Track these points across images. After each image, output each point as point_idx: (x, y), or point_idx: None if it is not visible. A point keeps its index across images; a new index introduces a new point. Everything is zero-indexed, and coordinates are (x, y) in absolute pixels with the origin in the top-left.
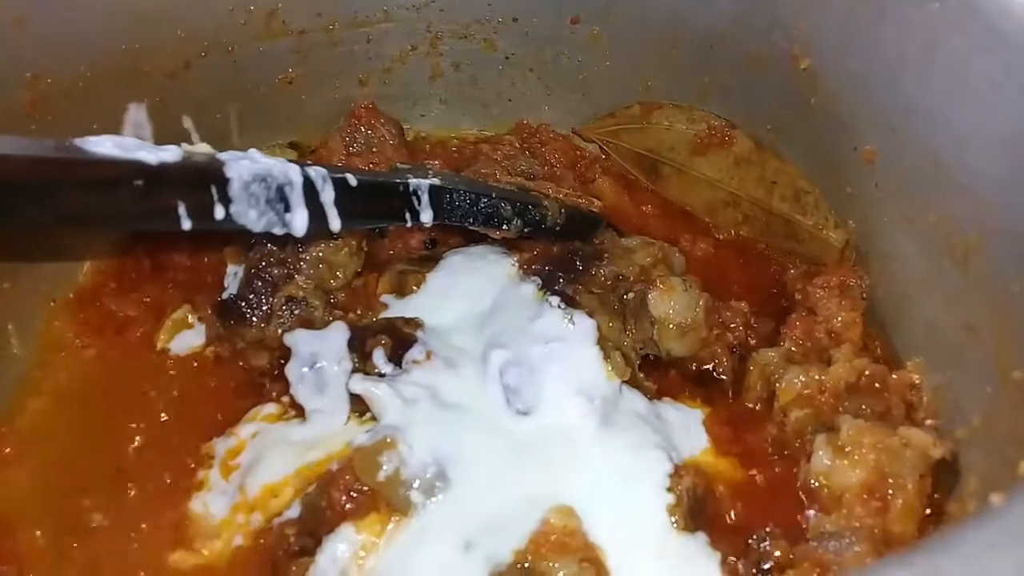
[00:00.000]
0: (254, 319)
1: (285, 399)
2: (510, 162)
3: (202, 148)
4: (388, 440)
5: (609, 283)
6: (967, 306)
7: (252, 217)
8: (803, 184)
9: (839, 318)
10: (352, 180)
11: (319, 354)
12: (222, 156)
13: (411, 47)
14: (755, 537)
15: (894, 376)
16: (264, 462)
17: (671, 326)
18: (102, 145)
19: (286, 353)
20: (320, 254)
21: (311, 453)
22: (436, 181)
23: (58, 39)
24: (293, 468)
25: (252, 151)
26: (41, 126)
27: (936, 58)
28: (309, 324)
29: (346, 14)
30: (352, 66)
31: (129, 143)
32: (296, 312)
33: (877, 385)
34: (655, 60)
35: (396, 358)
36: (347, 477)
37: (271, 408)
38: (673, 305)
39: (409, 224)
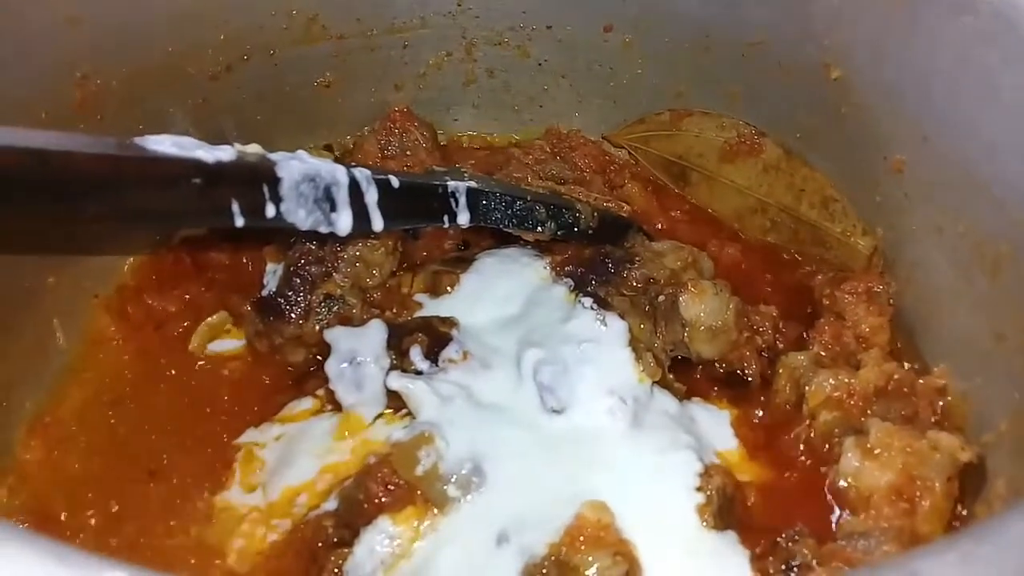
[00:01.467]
0: (293, 315)
1: (321, 393)
2: (541, 166)
3: (253, 148)
4: (426, 435)
5: (640, 286)
6: (996, 315)
7: (301, 216)
8: (831, 192)
9: (867, 323)
10: (395, 182)
11: (357, 351)
12: (273, 156)
13: (446, 53)
14: (784, 536)
15: (921, 381)
16: (289, 465)
17: (702, 328)
18: (162, 144)
19: (323, 350)
20: (357, 253)
21: (331, 456)
22: (473, 184)
23: (107, 39)
24: (315, 471)
25: (300, 152)
26: (89, 125)
27: (968, 70)
28: (347, 321)
29: (384, 20)
30: (388, 71)
31: (187, 142)
32: (334, 309)
33: (905, 390)
34: (686, 68)
35: (432, 356)
36: (384, 471)
37: (308, 403)
38: (704, 308)
39: (447, 225)
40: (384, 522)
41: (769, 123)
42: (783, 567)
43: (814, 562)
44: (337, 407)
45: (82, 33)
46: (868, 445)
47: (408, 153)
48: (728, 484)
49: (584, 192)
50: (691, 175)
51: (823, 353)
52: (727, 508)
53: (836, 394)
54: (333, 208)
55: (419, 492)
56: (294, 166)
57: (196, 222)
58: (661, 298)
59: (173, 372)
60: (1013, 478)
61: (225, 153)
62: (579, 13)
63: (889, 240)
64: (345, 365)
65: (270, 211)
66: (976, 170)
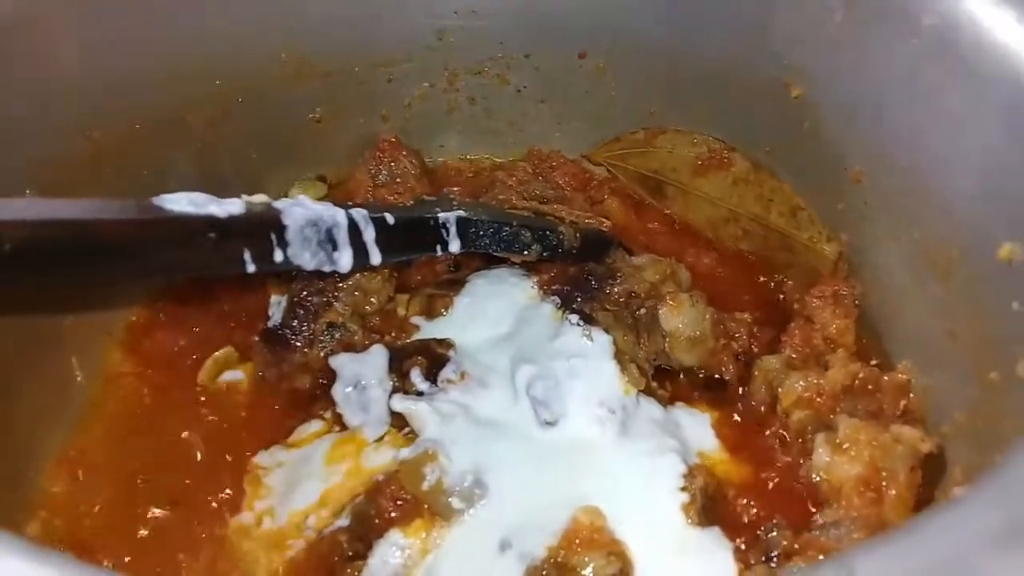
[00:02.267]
0: (298, 344)
1: (328, 415)
2: (524, 187)
3: (259, 198)
4: (430, 453)
5: (622, 300)
6: (949, 315)
7: (306, 257)
8: (798, 201)
9: (834, 326)
10: (390, 219)
11: (361, 375)
12: (278, 204)
13: (429, 84)
14: (763, 529)
15: (886, 378)
16: (294, 489)
17: (681, 339)
18: (178, 202)
19: (328, 374)
20: (355, 282)
21: (333, 478)
22: (462, 213)
23: (113, 98)
24: (319, 494)
25: (302, 197)
26: (100, 175)
27: (916, 87)
28: (350, 347)
29: (369, 57)
30: (375, 103)
31: (200, 199)
32: (336, 336)
33: (870, 387)
34: (657, 90)
35: (432, 377)
36: (393, 487)
37: (317, 425)
38: (682, 319)
39: (439, 254)
40: (395, 535)
41: (737, 139)
42: (763, 558)
43: (791, 551)
44: (344, 428)
45: (91, 94)
46: (837, 440)
47: (398, 180)
48: (710, 483)
49: (567, 210)
50: (666, 188)
51: (794, 356)
52: (710, 506)
53: (807, 394)
54: (335, 248)
55: (426, 506)
56: (298, 212)
57: (212, 271)
58: (642, 311)
59: (187, 403)
60: (968, 466)
61: (235, 206)
62: (554, 42)
63: (853, 246)
64: (350, 389)
65: (278, 256)
66: (926, 180)
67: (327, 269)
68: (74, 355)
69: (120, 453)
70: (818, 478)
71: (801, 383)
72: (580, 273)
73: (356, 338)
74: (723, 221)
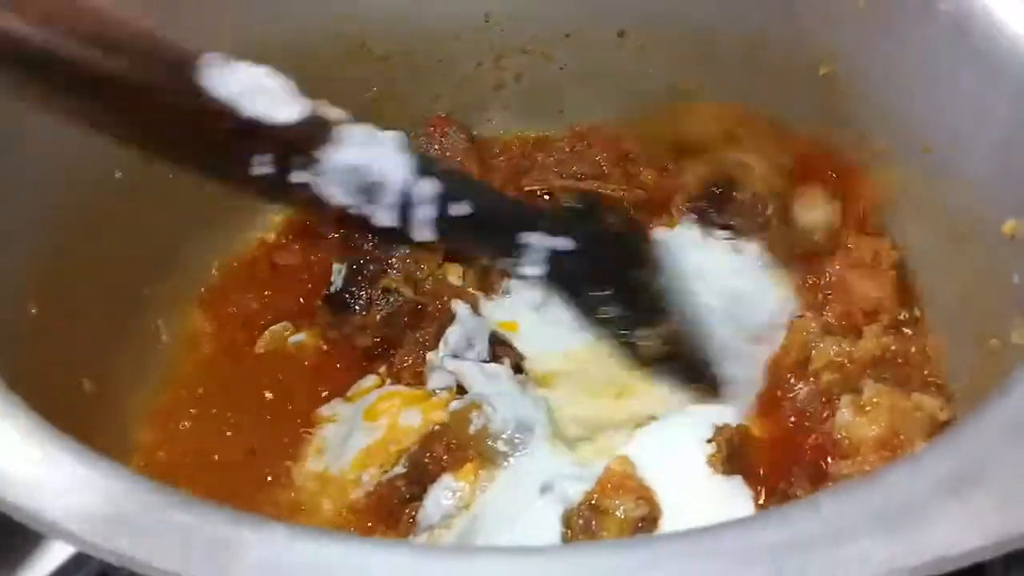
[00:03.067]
0: (357, 308)
1: (383, 371)
2: (562, 167)
3: (336, 114)
4: (475, 403)
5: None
6: (962, 283)
7: (336, 192)
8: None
9: (873, 296)
10: (463, 209)
11: (473, 336)
12: (338, 132)
13: (477, 63)
14: (783, 481)
15: (913, 349)
16: (347, 441)
17: (818, 232)
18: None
19: (384, 335)
20: (406, 250)
21: (375, 433)
22: (559, 245)
23: None
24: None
25: (382, 135)
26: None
27: (934, 70)
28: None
29: (421, 38)
30: (427, 83)
31: (260, 82)
32: (391, 301)
33: (900, 360)
34: (693, 67)
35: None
36: (446, 436)
37: (372, 379)
38: (818, 212)
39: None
40: (448, 478)
41: (769, 111)
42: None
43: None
44: (397, 380)
45: None
46: (861, 403)
47: (448, 154)
48: (736, 435)
49: (601, 184)
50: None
51: (832, 320)
52: (735, 455)
53: (838, 359)
54: (372, 201)
55: (475, 451)
56: (346, 153)
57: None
58: (769, 211)
59: (259, 362)
60: None
61: (287, 111)
62: (594, 21)
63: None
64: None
65: (295, 178)
66: (944, 157)
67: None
68: (159, 318)
69: (200, 409)
70: (840, 436)
71: (835, 347)
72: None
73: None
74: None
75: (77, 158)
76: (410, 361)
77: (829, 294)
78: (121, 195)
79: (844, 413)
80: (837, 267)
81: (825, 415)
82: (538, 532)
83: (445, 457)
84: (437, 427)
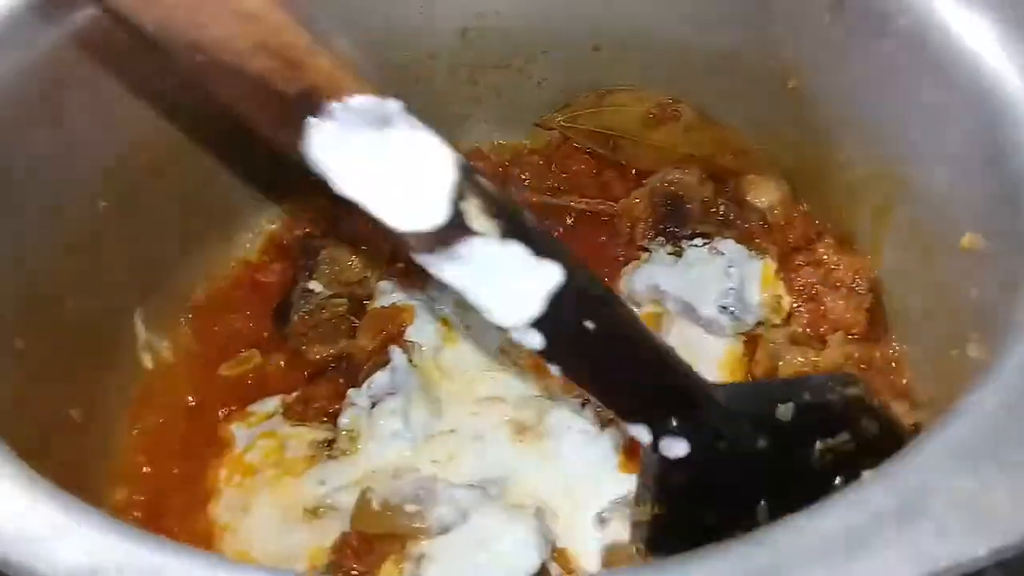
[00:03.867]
0: (291, 317)
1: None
2: (537, 180)
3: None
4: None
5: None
6: (926, 295)
7: None
8: (747, 143)
9: (844, 314)
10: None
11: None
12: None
13: (454, 79)
14: None
15: (877, 354)
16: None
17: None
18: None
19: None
20: (328, 253)
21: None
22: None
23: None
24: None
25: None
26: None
27: (895, 83)
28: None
29: (396, 58)
30: (407, 97)
31: None
32: (312, 304)
33: (863, 365)
34: (667, 79)
35: None
36: (351, 543)
37: (272, 404)
38: (768, 192)
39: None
40: None
41: (740, 124)
42: None
43: None
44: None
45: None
46: None
47: None
48: None
49: (576, 199)
50: (620, 143)
51: (799, 330)
52: None
53: (804, 368)
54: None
55: (388, 537)
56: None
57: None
58: (722, 207)
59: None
60: None
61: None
62: (569, 38)
63: (842, 225)
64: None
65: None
66: (907, 169)
67: None
68: (146, 341)
69: (185, 429)
70: None
71: (800, 359)
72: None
73: (339, 310)
74: (676, 164)
75: (61, 187)
76: (324, 393)
77: (800, 306)
78: (106, 224)
79: None
80: (814, 282)
81: None
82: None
83: (357, 566)
84: (342, 534)
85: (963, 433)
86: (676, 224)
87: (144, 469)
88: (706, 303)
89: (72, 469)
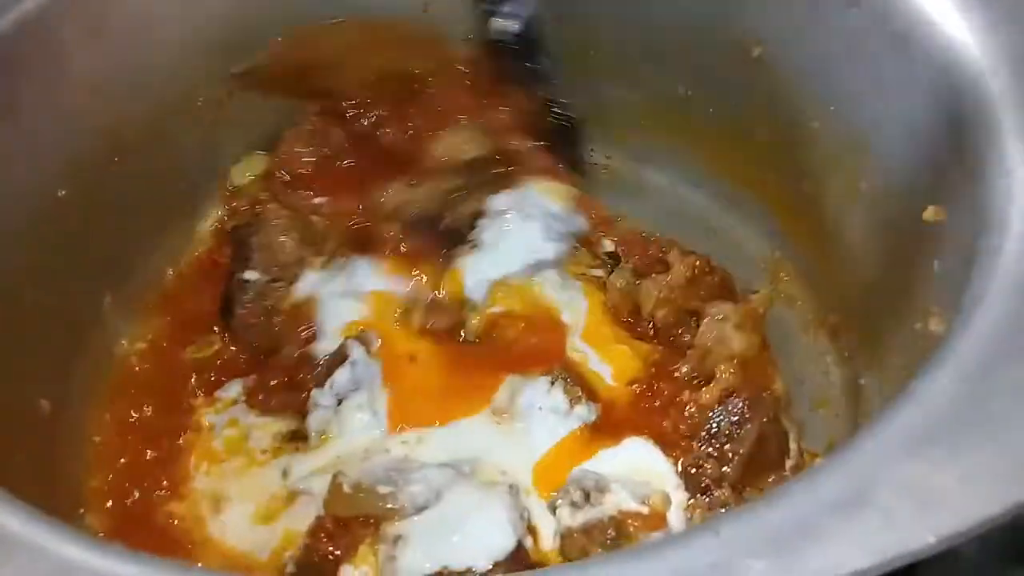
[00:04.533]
0: (232, 309)
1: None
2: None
3: None
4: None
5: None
6: (891, 265)
7: None
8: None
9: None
10: None
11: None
12: None
13: None
14: None
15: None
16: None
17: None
18: None
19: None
20: (264, 238)
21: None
22: None
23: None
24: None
25: None
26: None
27: (858, 55)
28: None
29: None
30: None
31: None
32: (253, 292)
33: (707, 269)
34: (634, 49)
35: None
36: (324, 527)
37: (235, 389)
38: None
39: None
40: (347, 570)
41: (705, 94)
42: None
43: None
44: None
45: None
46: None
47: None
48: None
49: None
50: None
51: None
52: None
53: (662, 294)
54: None
55: (363, 520)
56: None
57: None
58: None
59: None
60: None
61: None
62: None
63: (809, 194)
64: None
65: None
66: (869, 141)
67: None
68: (116, 328)
69: (158, 426)
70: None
71: (654, 287)
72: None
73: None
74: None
75: (18, 178)
76: (277, 384)
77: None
78: (67, 212)
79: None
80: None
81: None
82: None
83: (332, 549)
84: (316, 517)
85: (915, 418)
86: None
87: (119, 457)
88: (542, 248)
89: (45, 459)
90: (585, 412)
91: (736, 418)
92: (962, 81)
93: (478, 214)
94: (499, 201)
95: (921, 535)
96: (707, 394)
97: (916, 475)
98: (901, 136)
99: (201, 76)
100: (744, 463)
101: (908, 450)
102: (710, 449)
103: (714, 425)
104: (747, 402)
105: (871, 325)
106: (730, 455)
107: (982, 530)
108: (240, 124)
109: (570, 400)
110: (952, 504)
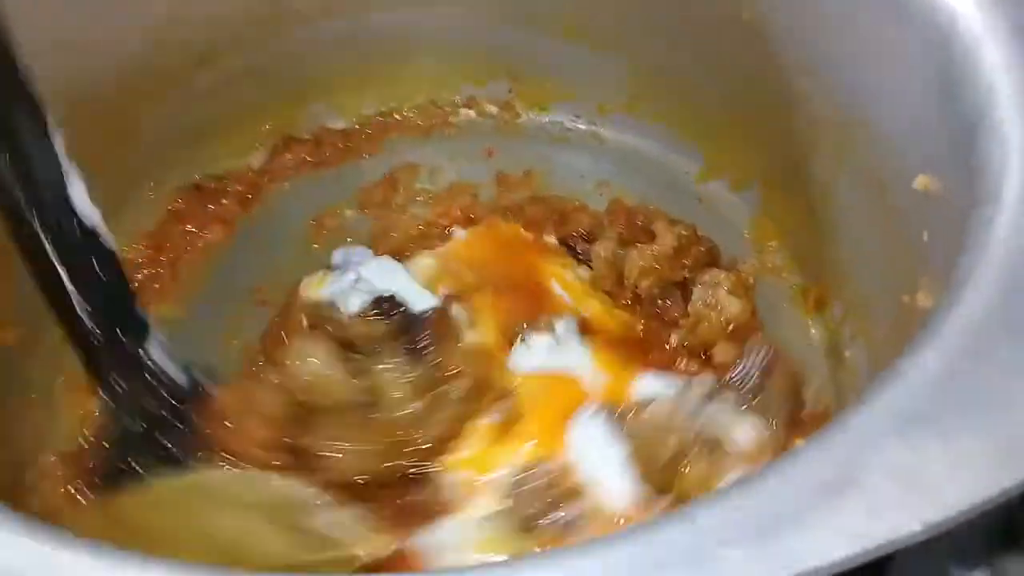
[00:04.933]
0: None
1: None
2: None
3: None
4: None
5: None
6: (882, 234)
7: None
8: None
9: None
10: None
11: None
12: None
13: None
14: None
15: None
16: None
17: None
18: None
19: None
20: None
21: None
22: None
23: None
24: None
25: None
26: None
27: (856, 20)
28: None
29: None
30: None
31: None
32: None
33: (694, 239)
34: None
35: None
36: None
37: None
38: None
39: None
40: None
41: (695, 60)
42: None
43: None
44: None
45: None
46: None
47: None
48: None
49: None
50: None
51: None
52: None
53: (645, 264)
54: None
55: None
56: None
57: None
58: None
59: None
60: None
61: None
62: None
63: (797, 160)
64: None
65: None
66: (862, 108)
67: None
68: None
69: None
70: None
71: (638, 258)
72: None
73: None
74: None
75: None
76: None
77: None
78: None
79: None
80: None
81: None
82: None
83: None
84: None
85: (901, 398)
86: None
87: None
88: None
89: None
90: None
91: (764, 365)
92: (959, 49)
93: None
94: None
95: (908, 522)
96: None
97: (902, 459)
98: (893, 103)
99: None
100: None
101: (894, 432)
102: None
103: (740, 375)
104: (768, 350)
105: (857, 297)
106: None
107: (971, 516)
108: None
109: None
110: (940, 489)
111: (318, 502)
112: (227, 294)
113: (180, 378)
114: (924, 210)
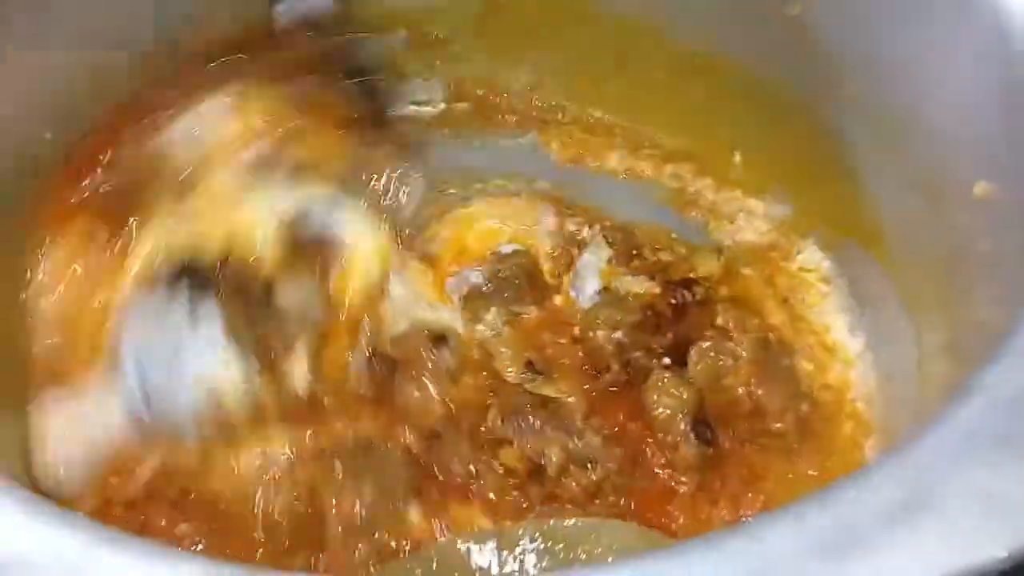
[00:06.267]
0: None
1: None
2: None
3: None
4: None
5: None
6: (935, 244)
7: None
8: None
9: None
10: None
11: None
12: None
13: None
14: None
15: None
16: None
17: None
18: None
19: None
20: None
21: None
22: None
23: None
24: None
25: None
26: None
27: (907, 16)
28: None
29: None
30: None
31: None
32: None
33: None
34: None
35: None
36: None
37: None
38: None
39: None
40: None
41: (740, 53)
42: None
43: None
44: None
45: None
46: None
47: None
48: None
49: None
50: None
51: None
52: None
53: None
54: None
55: None
56: None
57: None
58: None
59: None
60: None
61: None
62: None
63: (845, 162)
64: None
65: None
66: (915, 108)
67: None
68: None
69: None
70: None
71: None
72: None
73: None
74: None
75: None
76: None
77: None
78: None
79: None
80: None
81: None
82: None
83: None
84: None
85: (976, 416)
86: None
87: None
88: None
89: None
90: None
91: None
92: (1021, 50)
93: None
94: None
95: (989, 548)
96: None
97: (983, 480)
98: (950, 107)
99: None
100: None
101: (970, 453)
102: None
103: None
104: None
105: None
106: None
107: None
108: None
109: None
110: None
111: None
112: None
113: None
114: (981, 218)
